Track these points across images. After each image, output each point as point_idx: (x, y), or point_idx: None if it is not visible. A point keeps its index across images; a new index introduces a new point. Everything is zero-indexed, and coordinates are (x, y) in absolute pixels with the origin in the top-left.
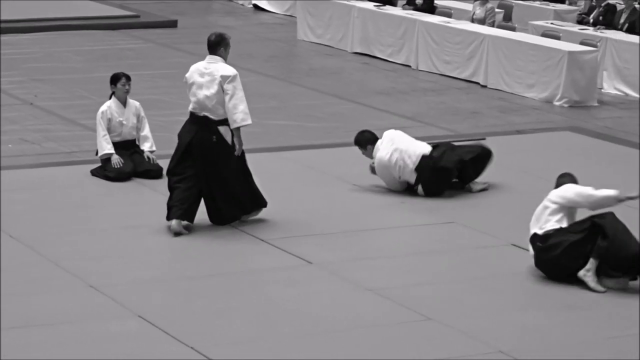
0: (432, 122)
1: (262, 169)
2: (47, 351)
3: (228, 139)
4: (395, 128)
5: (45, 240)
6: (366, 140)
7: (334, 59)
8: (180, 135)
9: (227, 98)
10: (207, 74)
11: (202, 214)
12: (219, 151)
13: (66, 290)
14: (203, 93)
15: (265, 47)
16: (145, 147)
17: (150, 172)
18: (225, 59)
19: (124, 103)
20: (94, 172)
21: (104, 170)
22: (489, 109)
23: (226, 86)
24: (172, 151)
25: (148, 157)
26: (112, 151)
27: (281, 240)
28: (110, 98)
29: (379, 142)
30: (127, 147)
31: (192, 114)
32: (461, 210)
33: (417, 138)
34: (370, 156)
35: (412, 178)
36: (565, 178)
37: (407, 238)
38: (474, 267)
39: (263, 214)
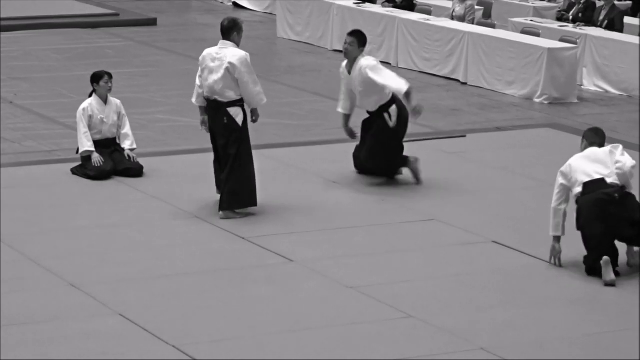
0: (411, 119)
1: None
2: (27, 350)
3: (239, 120)
4: None
5: (24, 239)
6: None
7: (313, 56)
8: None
9: (241, 85)
10: (218, 59)
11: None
12: (229, 133)
13: (46, 288)
14: (212, 78)
15: (245, 44)
16: (126, 145)
17: (131, 170)
18: (238, 44)
19: (105, 101)
20: (74, 171)
21: (85, 169)
22: (469, 106)
23: (237, 75)
24: (152, 149)
25: (128, 156)
26: (93, 149)
27: (262, 238)
28: (90, 96)
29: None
30: (108, 145)
31: (206, 98)
32: (441, 208)
33: None
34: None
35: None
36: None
37: (388, 235)
38: (454, 264)
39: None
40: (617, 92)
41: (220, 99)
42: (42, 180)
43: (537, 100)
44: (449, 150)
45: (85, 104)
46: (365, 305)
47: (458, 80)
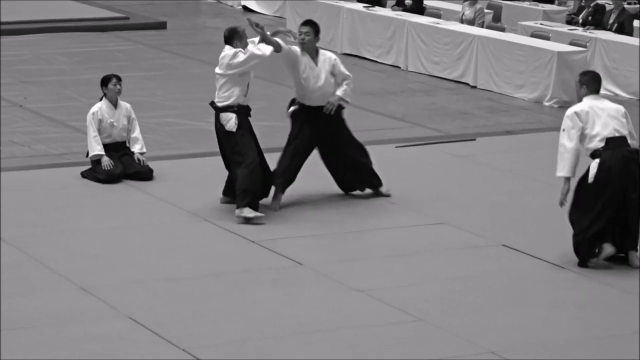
0: (421, 123)
1: None
2: (36, 353)
3: (229, 125)
4: (384, 129)
5: (34, 242)
6: None
7: None
8: None
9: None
10: (221, 59)
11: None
12: (225, 139)
13: (55, 291)
14: (217, 80)
15: None
16: (136, 148)
17: (140, 173)
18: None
19: (114, 104)
20: (84, 174)
21: (94, 172)
22: (479, 110)
23: (227, 65)
24: (162, 153)
25: (138, 159)
26: (103, 152)
27: (271, 241)
28: (101, 100)
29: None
30: (118, 148)
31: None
32: (451, 212)
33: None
34: None
35: None
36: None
37: (397, 239)
38: (464, 268)
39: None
40: (627, 96)
41: (216, 101)
42: (52, 184)
43: (546, 104)
44: (459, 154)
45: (95, 108)
46: (374, 309)
47: (467, 84)
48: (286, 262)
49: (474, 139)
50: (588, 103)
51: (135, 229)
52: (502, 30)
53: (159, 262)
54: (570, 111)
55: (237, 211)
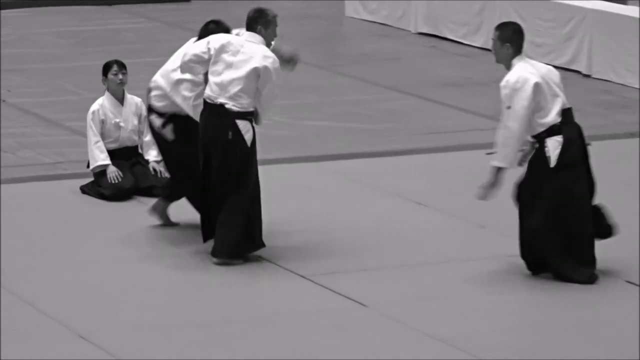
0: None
1: (295, 184)
2: None
3: (247, 138)
4: (470, 130)
5: (20, 276)
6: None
7: (391, 41)
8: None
9: (261, 96)
10: (243, 52)
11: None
12: (232, 153)
13: (47, 339)
14: (230, 75)
15: (303, 26)
16: (151, 156)
17: (156, 188)
18: (267, 42)
19: (120, 100)
20: (85, 189)
21: (98, 187)
22: (593, 105)
23: (262, 82)
24: None
25: (154, 169)
26: (108, 161)
27: (325, 276)
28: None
29: None
30: (127, 156)
31: (205, 102)
32: None
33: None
34: None
35: None
36: None
37: (487, 273)
38: (556, 311)
39: (301, 242)
40: None
41: (229, 105)
42: (43, 201)
43: None
44: None
45: (95, 106)
46: None
47: (579, 72)
48: (345, 303)
49: (589, 144)
50: (529, 69)
51: (149, 259)
52: (624, 2)
53: (180, 303)
54: (524, 83)
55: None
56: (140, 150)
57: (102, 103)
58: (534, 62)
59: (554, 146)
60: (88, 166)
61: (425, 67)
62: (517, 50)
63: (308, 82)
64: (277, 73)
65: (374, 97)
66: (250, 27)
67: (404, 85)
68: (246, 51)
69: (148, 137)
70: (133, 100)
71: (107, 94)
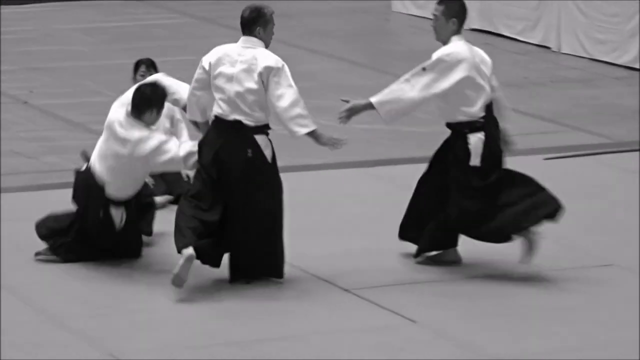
0: (579, 126)
1: (341, 191)
2: None
3: (267, 154)
4: (527, 133)
5: (44, 291)
6: None
7: None
8: (200, 148)
9: (273, 98)
10: (242, 62)
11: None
12: (253, 172)
13: (74, 357)
14: (234, 88)
15: (348, 21)
16: None
17: None
18: (266, 43)
19: None
20: None
21: None
22: None
23: (271, 81)
24: None
25: (187, 176)
26: None
27: (370, 290)
28: None
29: None
30: None
31: (217, 118)
32: (621, 251)
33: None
34: None
35: None
36: None
37: (549, 287)
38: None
39: (345, 253)
40: None
41: (245, 121)
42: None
43: None
44: (632, 169)
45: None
46: None
47: None
48: (393, 319)
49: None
50: (464, 48)
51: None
52: None
53: (216, 318)
54: (457, 64)
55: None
56: None
57: None
58: (472, 46)
59: (476, 144)
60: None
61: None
62: (460, 28)
63: (354, 81)
64: (284, 72)
65: None
66: (247, 29)
67: None
68: (245, 59)
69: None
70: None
71: None
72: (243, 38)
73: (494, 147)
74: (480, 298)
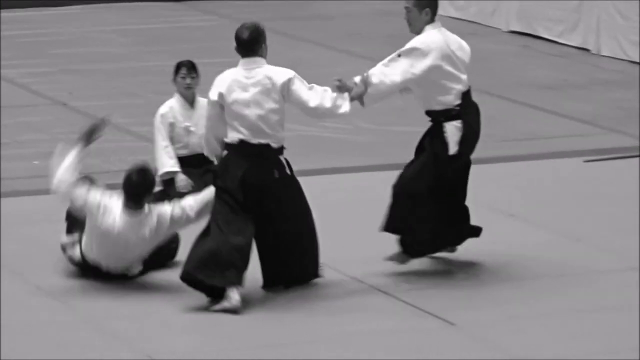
0: (618, 129)
1: (379, 194)
2: None
3: (289, 170)
4: (567, 135)
5: (88, 295)
6: None
7: (480, 40)
8: (222, 174)
9: (301, 104)
10: (254, 84)
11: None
12: (282, 191)
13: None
14: (255, 112)
15: (384, 23)
16: None
17: None
18: (265, 58)
19: (191, 103)
20: (153, 198)
21: (167, 196)
22: None
23: (292, 91)
24: None
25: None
26: (177, 168)
27: (410, 292)
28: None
29: None
30: (198, 163)
31: (240, 142)
32: None
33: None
34: None
35: None
36: None
37: (581, 290)
38: None
39: (384, 255)
40: None
41: (272, 142)
42: None
43: None
44: None
45: (164, 108)
46: None
47: None
48: (432, 322)
49: None
50: (438, 37)
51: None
52: None
53: (251, 322)
54: (428, 52)
55: None
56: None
57: (172, 105)
58: (448, 33)
59: (452, 132)
60: (155, 173)
61: (517, 68)
62: (433, 17)
63: None
64: (298, 78)
65: None
66: (250, 50)
67: (495, 88)
68: (257, 80)
69: None
70: (204, 103)
71: (176, 96)
72: (245, 60)
73: (470, 135)
74: (516, 300)
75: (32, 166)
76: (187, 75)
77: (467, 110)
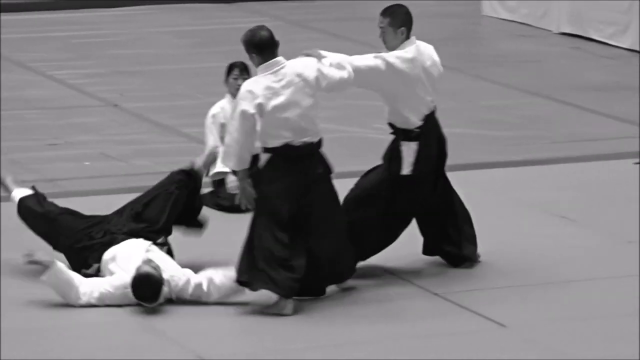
0: None
1: None
2: None
3: (328, 163)
4: (617, 137)
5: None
6: None
7: (532, 42)
8: (270, 181)
9: (334, 81)
10: (285, 86)
11: None
12: (324, 186)
13: None
14: (295, 113)
15: (437, 25)
16: None
17: None
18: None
19: None
20: (203, 200)
21: (216, 197)
22: None
23: (321, 77)
24: None
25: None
26: (227, 169)
27: (461, 294)
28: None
29: None
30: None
31: (287, 146)
32: None
33: None
34: None
35: None
36: None
37: (634, 293)
38: None
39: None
40: None
41: (313, 139)
42: None
43: None
44: None
45: (215, 109)
46: None
47: None
48: (484, 324)
49: None
50: (415, 52)
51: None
52: None
53: (301, 323)
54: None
55: None
56: None
57: (223, 106)
58: (423, 46)
59: (407, 153)
60: (207, 174)
61: (569, 70)
62: (409, 34)
63: (444, 85)
64: (320, 62)
65: (512, 102)
66: (271, 51)
67: (545, 90)
68: (288, 81)
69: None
70: None
71: (228, 96)
72: (265, 65)
73: (426, 157)
74: (566, 302)
75: (84, 167)
76: (239, 76)
77: (428, 135)
